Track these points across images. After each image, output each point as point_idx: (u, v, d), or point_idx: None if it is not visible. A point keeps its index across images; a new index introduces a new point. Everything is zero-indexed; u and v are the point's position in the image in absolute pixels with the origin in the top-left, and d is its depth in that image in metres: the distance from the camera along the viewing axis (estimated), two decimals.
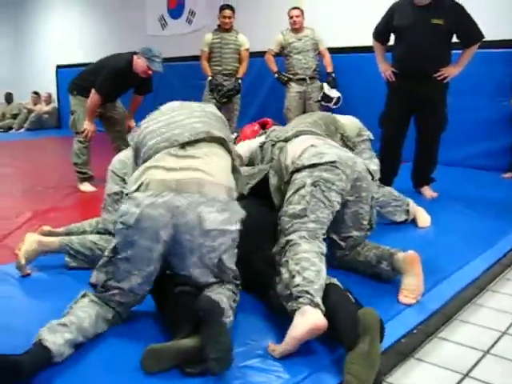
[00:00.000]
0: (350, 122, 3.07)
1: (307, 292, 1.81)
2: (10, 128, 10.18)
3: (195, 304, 1.73)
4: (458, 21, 3.62)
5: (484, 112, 5.03)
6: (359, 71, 5.57)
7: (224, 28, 5.57)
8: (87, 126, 4.42)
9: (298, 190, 2.24)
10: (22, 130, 9.98)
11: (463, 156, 5.18)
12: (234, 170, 2.17)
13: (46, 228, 2.81)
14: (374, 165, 3.04)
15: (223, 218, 1.88)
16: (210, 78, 5.59)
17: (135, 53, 4.31)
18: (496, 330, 2.18)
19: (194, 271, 1.93)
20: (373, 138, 3.18)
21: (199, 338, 1.66)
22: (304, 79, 5.56)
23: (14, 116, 10.52)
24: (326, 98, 5.49)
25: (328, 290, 1.90)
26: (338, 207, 2.26)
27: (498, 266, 2.77)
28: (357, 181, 2.34)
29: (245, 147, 2.95)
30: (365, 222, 2.44)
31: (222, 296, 1.91)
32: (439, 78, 3.72)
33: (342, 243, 2.45)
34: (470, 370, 1.89)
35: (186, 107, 2.23)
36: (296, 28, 5.54)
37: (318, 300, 1.80)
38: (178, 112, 2.17)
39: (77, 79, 4.62)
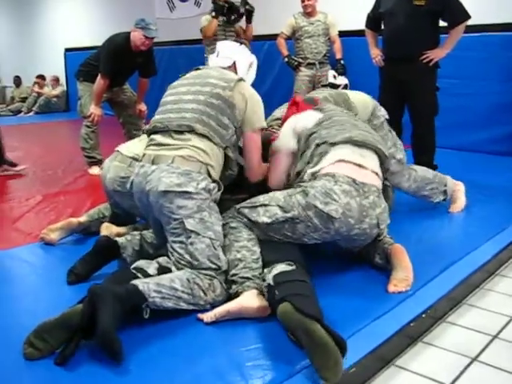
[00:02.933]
0: (361, 103, 2.96)
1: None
2: (19, 111, 10.22)
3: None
4: (442, 1, 3.60)
5: (495, 96, 4.97)
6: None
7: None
8: (93, 110, 4.43)
9: (284, 209, 2.18)
10: (31, 114, 10.00)
11: (474, 141, 5.14)
12: (226, 165, 2.34)
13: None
14: (400, 152, 3.01)
15: (179, 182, 2.07)
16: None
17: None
18: (504, 314, 2.19)
19: (168, 238, 2.12)
20: (387, 116, 3.08)
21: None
22: (314, 64, 5.52)
23: (23, 99, 10.55)
24: (332, 85, 5.45)
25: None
26: (308, 242, 2.23)
27: (507, 251, 2.76)
28: (354, 235, 2.23)
29: (288, 130, 2.56)
30: (364, 243, 2.35)
31: (172, 278, 1.94)
32: (424, 61, 3.70)
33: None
34: (478, 355, 1.89)
35: (201, 84, 2.34)
36: (308, 12, 5.47)
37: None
38: (189, 88, 2.34)
39: (82, 65, 4.65)
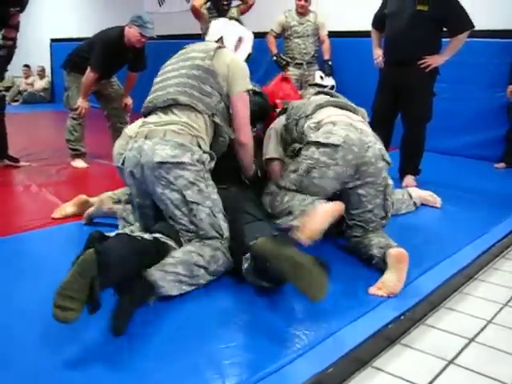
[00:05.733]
0: None
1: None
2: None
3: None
4: (445, 8, 3.60)
5: (479, 102, 5.04)
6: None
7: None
8: (81, 103, 4.38)
9: (293, 170, 2.51)
10: (17, 104, 9.88)
11: (457, 145, 5.20)
12: (216, 133, 2.40)
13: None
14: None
15: (174, 154, 2.15)
16: None
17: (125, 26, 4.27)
18: (482, 318, 2.21)
19: (167, 212, 2.21)
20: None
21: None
22: (301, 64, 5.52)
23: (7, 89, 10.39)
24: (319, 86, 5.46)
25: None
26: (330, 192, 2.46)
27: (487, 256, 2.79)
28: (362, 165, 2.39)
29: (272, 136, 2.79)
30: (370, 206, 2.47)
31: (185, 255, 2.08)
32: (422, 66, 3.71)
33: (349, 222, 2.54)
34: (455, 357, 1.91)
35: (183, 59, 2.44)
36: (300, 12, 5.47)
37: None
38: (173, 66, 2.44)
39: (70, 56, 4.58)
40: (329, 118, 2.50)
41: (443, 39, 3.78)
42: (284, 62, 5.51)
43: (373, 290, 2.16)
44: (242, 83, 2.43)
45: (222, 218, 2.26)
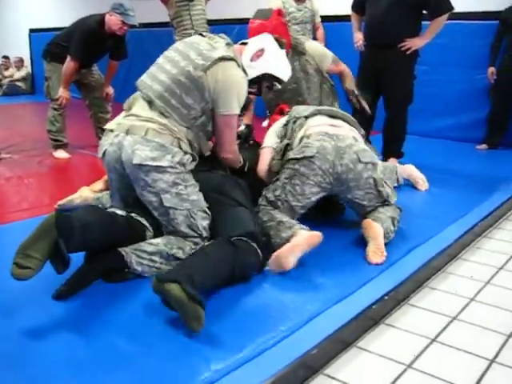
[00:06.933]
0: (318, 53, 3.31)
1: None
2: None
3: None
4: None
5: (460, 84, 5.05)
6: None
7: None
8: (62, 93, 4.32)
9: (277, 180, 2.55)
10: None
11: (439, 127, 5.23)
12: (201, 131, 2.33)
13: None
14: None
15: (153, 156, 2.11)
16: None
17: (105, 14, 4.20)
18: (464, 297, 2.23)
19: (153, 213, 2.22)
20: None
21: None
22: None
23: None
24: None
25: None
26: (313, 198, 2.52)
27: (470, 235, 2.82)
28: (342, 173, 2.46)
29: (271, 132, 2.85)
30: (365, 202, 2.55)
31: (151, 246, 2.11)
32: (403, 49, 3.71)
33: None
34: (438, 335, 1.93)
35: (183, 55, 2.29)
36: None
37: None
38: (174, 56, 2.32)
39: (50, 45, 4.51)
40: (308, 131, 2.59)
41: (423, 22, 3.78)
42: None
43: (370, 258, 2.31)
44: (227, 106, 2.27)
45: (202, 217, 2.23)
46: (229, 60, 2.27)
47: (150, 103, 2.25)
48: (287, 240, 2.22)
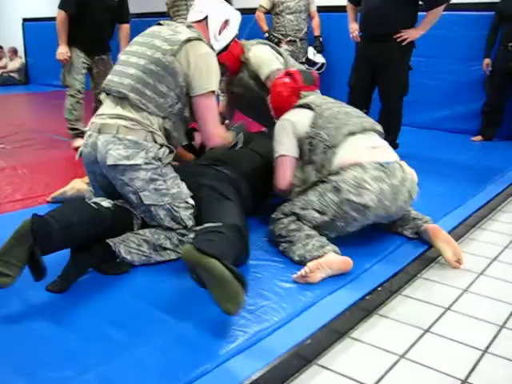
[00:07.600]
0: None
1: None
2: None
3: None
4: None
5: (455, 75, 5.06)
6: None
7: None
8: (60, 49, 4.21)
9: (320, 211, 2.27)
10: None
11: (434, 119, 5.24)
12: (179, 119, 2.29)
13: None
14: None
15: (127, 154, 2.08)
16: None
17: None
18: (458, 287, 2.24)
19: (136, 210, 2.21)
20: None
21: None
22: (295, 41, 5.37)
23: None
24: (310, 62, 5.37)
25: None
26: (351, 230, 2.34)
27: (464, 227, 2.83)
28: (393, 215, 2.41)
29: (288, 131, 2.49)
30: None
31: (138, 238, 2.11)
32: (398, 40, 3.70)
33: None
34: (431, 326, 1.94)
35: (148, 45, 2.26)
36: None
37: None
38: (137, 48, 2.28)
39: None
40: (355, 158, 2.30)
41: (419, 13, 3.76)
42: (276, 40, 5.33)
43: (455, 264, 2.39)
44: (203, 85, 2.22)
45: (184, 207, 2.19)
46: (196, 40, 2.26)
47: (123, 99, 2.19)
48: (319, 256, 2.10)
